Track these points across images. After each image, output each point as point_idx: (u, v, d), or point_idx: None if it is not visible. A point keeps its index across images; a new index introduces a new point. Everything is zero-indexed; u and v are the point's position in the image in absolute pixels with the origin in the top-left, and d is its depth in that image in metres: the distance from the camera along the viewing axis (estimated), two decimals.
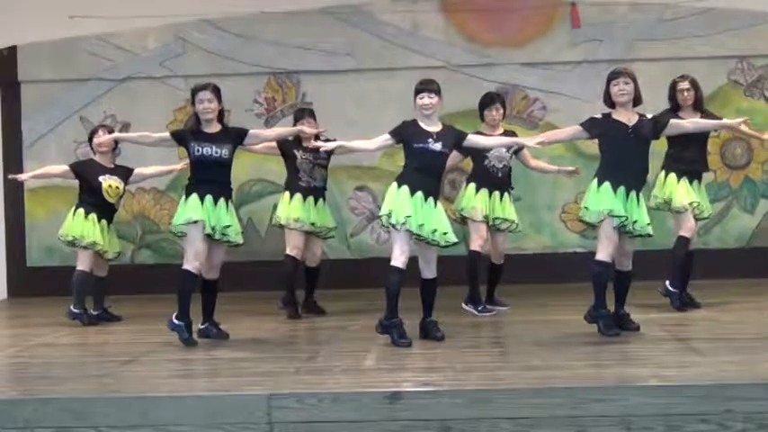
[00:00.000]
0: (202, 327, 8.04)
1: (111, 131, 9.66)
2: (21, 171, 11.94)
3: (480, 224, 9.03)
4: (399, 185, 7.54)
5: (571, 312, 9.09)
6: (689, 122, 8.27)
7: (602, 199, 7.52)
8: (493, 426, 5.54)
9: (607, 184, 7.50)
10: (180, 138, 7.99)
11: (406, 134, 7.62)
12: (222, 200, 7.89)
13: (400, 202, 7.47)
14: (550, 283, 11.09)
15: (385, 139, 7.72)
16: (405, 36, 11.84)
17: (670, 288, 8.92)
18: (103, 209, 9.43)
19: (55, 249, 11.61)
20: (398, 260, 7.41)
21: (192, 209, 7.82)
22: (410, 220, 7.40)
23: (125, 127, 11.95)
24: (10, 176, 10.14)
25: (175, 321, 7.83)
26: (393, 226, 7.45)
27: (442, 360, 6.90)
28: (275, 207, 11.59)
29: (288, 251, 9.30)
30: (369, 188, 11.74)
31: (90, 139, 9.64)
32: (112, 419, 5.70)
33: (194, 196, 7.83)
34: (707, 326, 8.31)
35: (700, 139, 8.89)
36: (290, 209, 9.33)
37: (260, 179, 11.87)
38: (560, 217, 11.77)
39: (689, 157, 8.86)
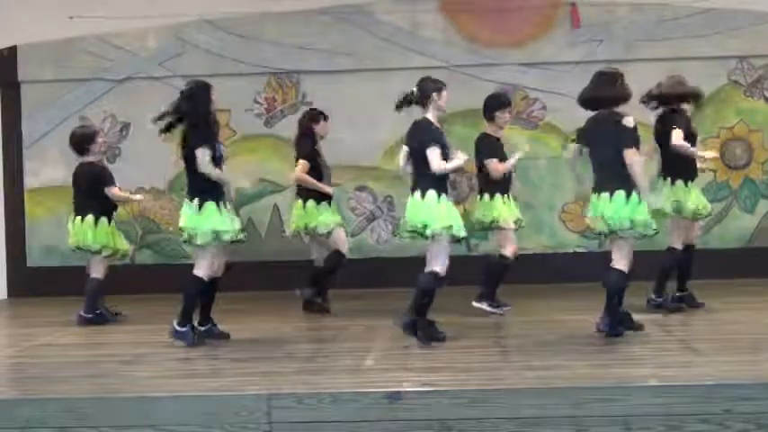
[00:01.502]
0: (204, 328, 8.02)
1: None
2: (21, 171, 12.01)
3: (511, 231, 9.11)
4: (439, 195, 7.55)
5: (571, 312, 9.11)
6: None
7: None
8: (493, 426, 5.54)
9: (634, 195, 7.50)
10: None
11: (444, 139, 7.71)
12: (222, 201, 7.89)
13: (453, 214, 7.59)
14: (550, 283, 11.10)
15: (439, 153, 7.61)
16: (405, 36, 11.84)
17: (655, 298, 8.88)
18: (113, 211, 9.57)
19: (55, 249, 11.62)
20: (442, 268, 7.56)
21: (219, 222, 7.77)
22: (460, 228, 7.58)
23: (125, 127, 11.98)
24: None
25: (180, 329, 7.77)
26: (454, 238, 7.54)
27: (442, 360, 6.90)
28: (275, 207, 11.71)
29: (341, 249, 9.47)
30: (369, 188, 11.73)
31: (83, 145, 9.53)
32: (113, 419, 5.70)
33: (214, 206, 7.78)
34: (707, 326, 8.31)
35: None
36: (331, 215, 9.48)
37: (260, 179, 11.88)
38: (560, 217, 11.77)
39: (668, 159, 8.74)
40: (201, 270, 7.80)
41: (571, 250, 11.73)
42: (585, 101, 7.61)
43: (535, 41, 11.78)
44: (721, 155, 11.65)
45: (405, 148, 7.71)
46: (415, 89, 7.64)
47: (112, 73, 12.00)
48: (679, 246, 8.83)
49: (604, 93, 7.55)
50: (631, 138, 7.44)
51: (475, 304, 9.01)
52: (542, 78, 11.79)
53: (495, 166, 8.86)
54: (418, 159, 7.58)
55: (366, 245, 11.81)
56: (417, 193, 7.55)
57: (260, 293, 10.98)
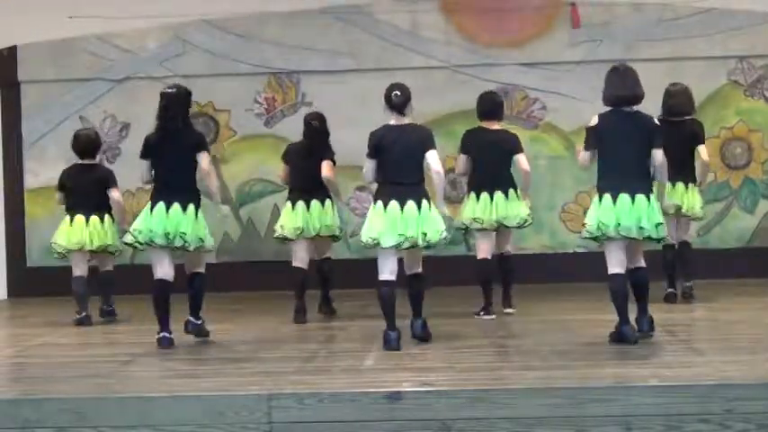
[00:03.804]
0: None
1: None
2: (21, 171, 12.02)
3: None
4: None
5: (571, 312, 9.12)
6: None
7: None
8: (493, 426, 5.54)
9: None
10: None
11: None
12: None
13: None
14: (550, 282, 11.09)
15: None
16: (405, 36, 11.84)
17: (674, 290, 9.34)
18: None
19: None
20: None
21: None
22: None
23: (125, 127, 11.98)
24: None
25: (198, 322, 7.98)
26: None
27: (442, 360, 6.90)
28: (275, 207, 11.69)
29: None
30: (369, 188, 11.69)
31: (93, 148, 9.72)
32: (112, 419, 5.70)
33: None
34: (707, 326, 8.31)
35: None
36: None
37: (260, 179, 11.87)
38: (560, 217, 11.77)
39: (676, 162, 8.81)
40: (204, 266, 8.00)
41: (571, 250, 11.72)
42: (629, 98, 7.35)
43: (535, 41, 11.78)
44: (721, 155, 11.66)
45: (371, 163, 7.67)
46: (399, 92, 7.64)
47: (112, 73, 12.00)
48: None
49: (641, 91, 7.41)
50: (662, 137, 7.45)
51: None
52: (542, 78, 11.79)
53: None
54: (415, 163, 7.59)
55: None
56: (413, 204, 7.51)
57: (260, 293, 10.97)
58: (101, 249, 9.48)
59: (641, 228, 7.19)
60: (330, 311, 9.39)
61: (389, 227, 7.47)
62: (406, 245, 7.44)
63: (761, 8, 11.57)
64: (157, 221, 7.73)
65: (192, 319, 7.96)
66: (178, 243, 7.70)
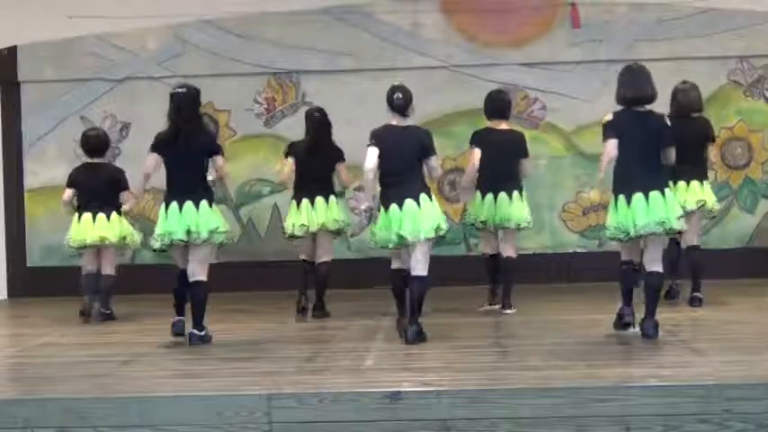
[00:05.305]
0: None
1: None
2: (21, 171, 12.02)
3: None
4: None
5: (571, 312, 9.12)
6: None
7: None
8: (493, 426, 5.54)
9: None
10: None
11: None
12: None
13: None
14: (550, 283, 11.09)
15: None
16: (405, 36, 11.84)
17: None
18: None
19: (55, 249, 11.60)
20: None
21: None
22: None
23: (125, 127, 11.98)
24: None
25: (201, 333, 7.83)
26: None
27: (442, 360, 6.90)
28: (275, 207, 11.70)
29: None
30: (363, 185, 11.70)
31: (103, 147, 9.83)
32: (112, 419, 5.70)
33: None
34: (707, 326, 8.31)
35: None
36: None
37: (260, 179, 11.87)
38: (560, 217, 11.77)
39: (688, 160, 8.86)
40: (206, 273, 7.88)
41: (571, 250, 11.72)
42: (642, 99, 7.41)
43: (535, 41, 11.77)
44: (721, 155, 11.65)
45: (376, 151, 7.67)
46: (401, 94, 7.68)
47: (112, 73, 12.01)
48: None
49: (654, 91, 7.48)
50: (672, 137, 7.53)
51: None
52: (542, 78, 11.78)
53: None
54: (412, 165, 7.63)
55: (366, 245, 11.77)
56: (411, 201, 7.57)
57: (260, 293, 10.97)
58: (103, 241, 9.53)
59: (661, 222, 7.29)
60: (323, 315, 9.31)
61: (387, 229, 7.61)
62: (403, 240, 7.54)
63: (761, 8, 11.57)
64: (174, 221, 7.76)
65: (195, 331, 7.79)
66: (194, 237, 7.75)
